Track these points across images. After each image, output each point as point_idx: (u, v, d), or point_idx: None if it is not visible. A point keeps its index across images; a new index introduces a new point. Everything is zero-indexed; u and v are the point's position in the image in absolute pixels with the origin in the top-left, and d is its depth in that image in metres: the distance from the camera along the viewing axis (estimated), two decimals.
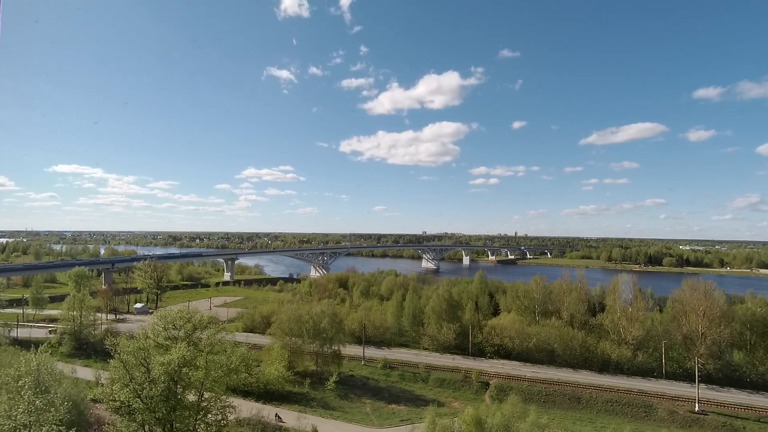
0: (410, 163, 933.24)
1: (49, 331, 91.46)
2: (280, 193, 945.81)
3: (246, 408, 51.42)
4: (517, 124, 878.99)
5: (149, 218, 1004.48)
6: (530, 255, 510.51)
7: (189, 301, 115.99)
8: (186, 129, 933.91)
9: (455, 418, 43.26)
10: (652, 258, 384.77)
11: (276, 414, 54.41)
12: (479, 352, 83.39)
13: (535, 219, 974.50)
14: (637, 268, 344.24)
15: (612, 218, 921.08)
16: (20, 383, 26.84)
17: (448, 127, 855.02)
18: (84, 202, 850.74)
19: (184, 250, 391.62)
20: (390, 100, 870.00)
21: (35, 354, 29.06)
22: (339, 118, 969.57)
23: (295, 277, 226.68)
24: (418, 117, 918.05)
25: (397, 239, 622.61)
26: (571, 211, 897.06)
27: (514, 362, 79.19)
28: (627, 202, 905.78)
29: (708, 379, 70.09)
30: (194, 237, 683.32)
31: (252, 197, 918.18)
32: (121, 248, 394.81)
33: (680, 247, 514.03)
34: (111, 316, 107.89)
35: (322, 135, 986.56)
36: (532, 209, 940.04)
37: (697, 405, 61.68)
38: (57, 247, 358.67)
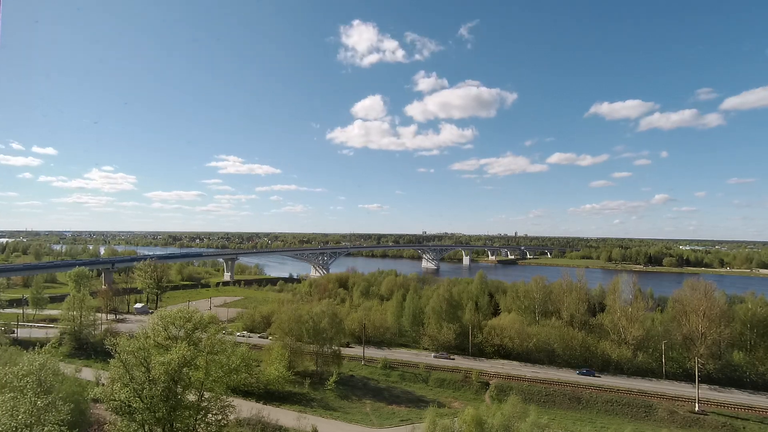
0: (410, 149, 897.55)
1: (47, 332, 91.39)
2: (265, 189, 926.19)
3: (246, 408, 51.50)
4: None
5: (139, 218, 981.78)
6: (530, 255, 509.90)
7: (189, 301, 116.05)
8: (175, 127, 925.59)
9: (455, 418, 43.30)
10: (652, 258, 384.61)
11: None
12: (479, 352, 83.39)
13: (537, 218, 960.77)
14: (637, 268, 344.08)
15: (621, 216, 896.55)
16: (22, 383, 26.86)
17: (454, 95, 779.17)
18: (60, 201, 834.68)
19: (184, 250, 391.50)
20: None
21: (38, 354, 29.08)
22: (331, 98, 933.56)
23: (295, 277, 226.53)
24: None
25: (397, 239, 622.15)
26: (575, 210, 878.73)
27: (514, 362, 79.21)
28: (637, 200, 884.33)
29: (708, 379, 70.08)
30: (194, 237, 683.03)
31: (241, 195, 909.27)
32: (121, 248, 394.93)
33: (680, 247, 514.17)
34: (111, 316, 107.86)
35: (308, 121, 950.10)
36: (536, 207, 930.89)
37: (697, 405, 61.69)
38: (57, 247, 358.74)
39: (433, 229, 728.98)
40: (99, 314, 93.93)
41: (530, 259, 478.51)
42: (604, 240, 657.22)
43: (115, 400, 34.92)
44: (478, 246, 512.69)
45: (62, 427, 26.28)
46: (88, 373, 64.50)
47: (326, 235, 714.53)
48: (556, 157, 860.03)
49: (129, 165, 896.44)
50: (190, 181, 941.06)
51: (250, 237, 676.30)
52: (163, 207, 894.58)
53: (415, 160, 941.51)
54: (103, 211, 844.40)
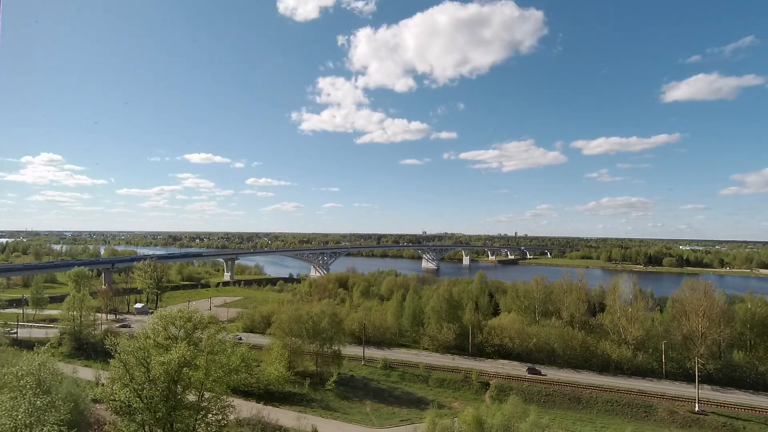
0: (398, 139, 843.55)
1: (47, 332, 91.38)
2: (250, 184, 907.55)
3: (246, 408, 51.52)
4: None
5: (130, 218, 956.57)
6: (530, 255, 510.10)
7: (189, 301, 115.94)
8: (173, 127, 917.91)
9: (455, 419, 43.32)
10: (652, 258, 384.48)
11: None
12: (479, 352, 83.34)
13: (538, 218, 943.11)
14: (637, 268, 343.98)
15: (625, 215, 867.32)
16: (22, 383, 26.85)
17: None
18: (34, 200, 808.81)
19: (184, 250, 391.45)
20: None
21: (37, 354, 29.06)
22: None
23: (295, 277, 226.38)
24: None
25: (397, 239, 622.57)
26: (579, 208, 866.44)
27: (514, 362, 79.16)
28: (642, 197, 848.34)
29: (708, 379, 70.04)
30: (194, 237, 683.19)
31: (226, 191, 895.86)
32: (120, 248, 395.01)
33: (680, 247, 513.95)
34: (111, 317, 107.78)
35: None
36: (536, 206, 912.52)
37: (697, 405, 61.66)
38: (57, 247, 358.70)
39: (433, 229, 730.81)
40: (99, 314, 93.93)
41: (530, 259, 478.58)
42: (604, 240, 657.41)
43: (115, 400, 34.95)
44: (478, 246, 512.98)
45: (62, 427, 26.26)
46: (88, 373, 64.54)
47: (326, 235, 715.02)
48: (562, 145, 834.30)
49: (77, 157, 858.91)
50: (163, 176, 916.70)
51: (250, 237, 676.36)
52: (152, 206, 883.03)
53: (405, 147, 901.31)
54: (83, 210, 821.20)
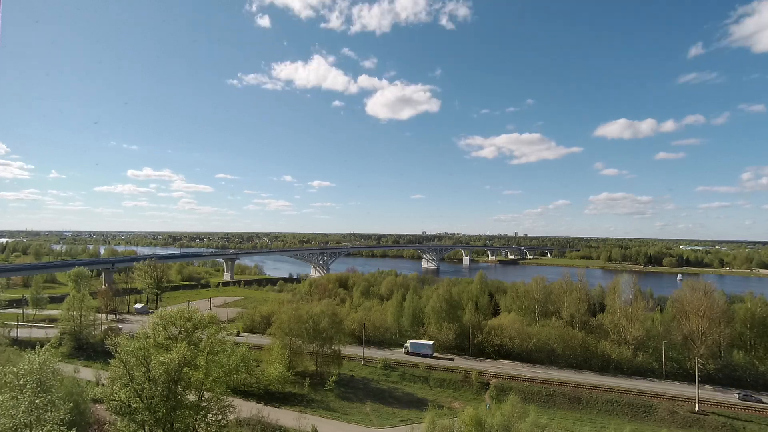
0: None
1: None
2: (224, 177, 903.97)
3: (246, 408, 51.57)
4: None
5: (119, 218, 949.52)
6: (530, 255, 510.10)
7: (189, 301, 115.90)
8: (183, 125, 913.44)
9: (455, 418, 43.29)
10: (652, 258, 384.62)
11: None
12: (479, 352, 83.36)
13: (538, 217, 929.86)
14: (637, 268, 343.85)
15: (626, 215, 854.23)
16: (22, 381, 26.84)
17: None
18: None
19: (184, 250, 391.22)
20: None
21: (38, 353, 29.06)
22: None
23: (295, 277, 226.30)
24: None
25: (397, 239, 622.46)
26: (584, 206, 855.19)
27: (514, 362, 79.18)
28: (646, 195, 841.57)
29: (708, 379, 70.04)
30: (194, 237, 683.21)
31: (203, 186, 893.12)
32: (120, 248, 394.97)
33: (680, 247, 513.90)
34: (111, 317, 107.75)
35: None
36: (535, 206, 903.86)
37: (697, 405, 61.67)
38: (57, 247, 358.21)
39: (433, 229, 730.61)
40: (99, 314, 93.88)
41: (530, 259, 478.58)
42: (604, 240, 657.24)
43: (115, 400, 34.98)
44: (478, 246, 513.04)
45: (62, 427, 26.24)
46: (88, 373, 64.56)
47: (326, 235, 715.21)
48: (568, 137, 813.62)
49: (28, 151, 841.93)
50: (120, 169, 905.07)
51: (250, 237, 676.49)
52: (133, 204, 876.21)
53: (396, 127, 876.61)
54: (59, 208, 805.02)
